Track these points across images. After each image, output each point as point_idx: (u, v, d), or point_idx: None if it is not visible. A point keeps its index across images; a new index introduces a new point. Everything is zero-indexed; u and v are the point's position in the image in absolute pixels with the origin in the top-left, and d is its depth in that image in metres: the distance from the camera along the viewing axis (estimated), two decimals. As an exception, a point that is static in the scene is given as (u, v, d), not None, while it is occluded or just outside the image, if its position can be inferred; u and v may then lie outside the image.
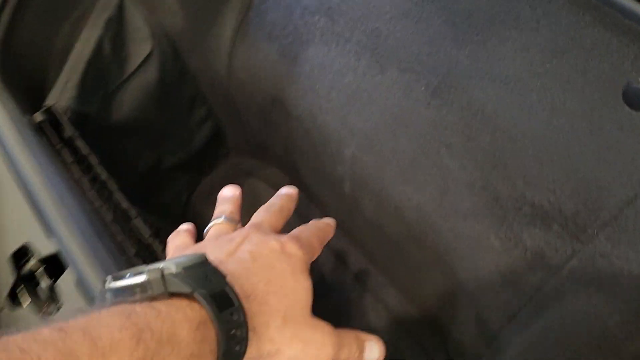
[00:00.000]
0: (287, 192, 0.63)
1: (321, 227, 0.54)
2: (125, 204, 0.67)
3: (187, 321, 0.31)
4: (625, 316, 0.52)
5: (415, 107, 0.71)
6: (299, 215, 1.06)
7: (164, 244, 0.59)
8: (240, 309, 0.34)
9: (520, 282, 0.65)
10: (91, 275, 0.49)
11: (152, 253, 0.64)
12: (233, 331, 0.32)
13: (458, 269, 0.74)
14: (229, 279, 0.35)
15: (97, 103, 0.77)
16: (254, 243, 0.41)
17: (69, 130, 0.69)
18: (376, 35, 0.72)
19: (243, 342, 0.33)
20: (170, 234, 0.89)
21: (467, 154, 0.67)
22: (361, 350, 0.42)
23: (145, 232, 0.65)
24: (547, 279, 0.63)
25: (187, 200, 1.07)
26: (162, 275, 0.33)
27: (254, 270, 0.38)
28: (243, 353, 0.33)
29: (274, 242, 0.42)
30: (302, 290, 0.39)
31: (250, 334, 0.34)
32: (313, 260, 0.46)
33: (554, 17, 0.53)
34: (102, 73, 0.79)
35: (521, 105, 0.60)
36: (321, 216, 1.06)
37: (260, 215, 0.53)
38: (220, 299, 0.33)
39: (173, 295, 0.33)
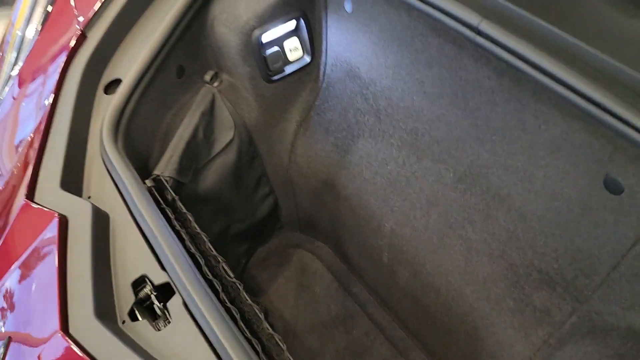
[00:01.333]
0: None
1: None
2: (214, 252, 0.84)
3: None
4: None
5: (445, 191, 0.89)
6: (341, 284, 1.21)
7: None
8: None
9: (531, 335, 0.79)
10: (195, 299, 0.65)
11: (236, 290, 0.79)
12: None
13: (480, 328, 0.88)
14: None
15: (190, 175, 0.97)
16: None
17: (170, 194, 0.88)
18: (415, 133, 0.91)
19: None
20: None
21: (487, 228, 0.83)
22: None
23: (230, 274, 0.81)
24: (552, 333, 0.76)
25: (245, 264, 1.24)
26: None
27: None
28: None
29: None
30: None
31: None
32: None
33: (552, 123, 0.70)
34: (196, 152, 0.99)
35: (529, 190, 0.76)
36: (361, 286, 1.20)
37: None
38: None
39: None
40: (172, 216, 0.84)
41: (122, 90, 0.89)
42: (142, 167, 0.94)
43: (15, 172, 0.86)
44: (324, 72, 1.06)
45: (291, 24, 1.00)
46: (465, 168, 0.84)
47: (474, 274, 0.87)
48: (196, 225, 0.84)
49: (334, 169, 1.09)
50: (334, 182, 1.10)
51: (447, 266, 0.91)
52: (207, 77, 1.03)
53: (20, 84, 1.04)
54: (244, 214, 1.15)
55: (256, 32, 0.95)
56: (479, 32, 0.70)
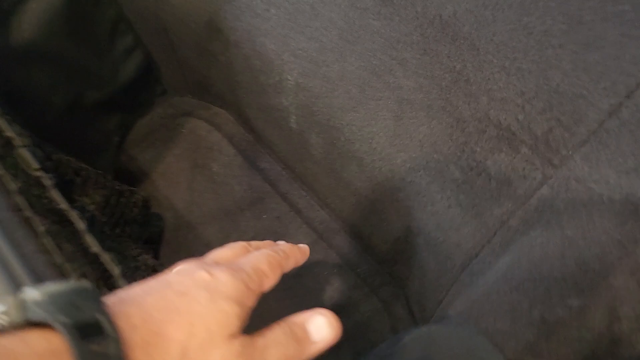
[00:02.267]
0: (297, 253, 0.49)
1: (277, 252, 0.44)
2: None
3: (33, 355, 0.27)
4: (606, 247, 0.44)
5: (364, 19, 0.61)
6: (245, 158, 0.96)
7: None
8: (117, 340, 0.29)
9: (483, 215, 0.57)
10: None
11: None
12: None
13: (415, 206, 0.66)
14: (114, 307, 0.31)
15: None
16: (180, 272, 0.37)
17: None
18: None
19: None
20: (100, 179, 0.78)
21: (424, 69, 0.58)
22: (301, 338, 0.37)
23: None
24: (513, 211, 0.54)
25: (119, 143, 0.96)
26: (23, 303, 0.29)
27: (156, 297, 0.33)
28: None
29: (202, 272, 0.36)
30: (218, 314, 0.33)
31: None
32: (265, 289, 0.40)
33: None
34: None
35: (485, 4, 0.50)
36: (271, 160, 0.96)
37: (226, 253, 0.44)
38: (87, 328, 0.28)
39: (34, 325, 0.28)
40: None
41: None
42: None
43: None
44: None
45: None
46: (390, -20, 0.56)
47: (406, 136, 0.63)
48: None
49: (218, 3, 0.78)
50: (218, 21, 0.80)
51: (371, 128, 0.66)
52: None
53: None
54: (100, 77, 0.85)
55: None
56: None
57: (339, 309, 0.82)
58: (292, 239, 0.89)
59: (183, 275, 0.36)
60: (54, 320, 0.28)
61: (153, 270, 0.76)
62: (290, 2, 0.69)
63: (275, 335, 0.36)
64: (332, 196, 0.85)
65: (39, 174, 0.53)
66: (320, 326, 0.39)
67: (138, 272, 0.70)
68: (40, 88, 0.77)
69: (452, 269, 0.61)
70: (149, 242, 0.85)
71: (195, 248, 0.89)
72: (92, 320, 0.29)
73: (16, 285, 0.43)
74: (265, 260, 0.41)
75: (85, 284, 0.31)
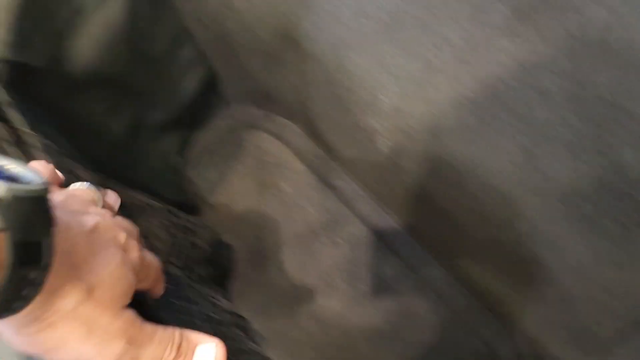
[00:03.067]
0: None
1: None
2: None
3: None
4: None
5: (491, 37, 0.50)
6: (318, 176, 0.87)
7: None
8: (47, 269, 0.29)
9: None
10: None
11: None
12: (24, 291, 0.28)
13: (548, 256, 0.56)
14: (55, 230, 0.30)
15: (42, 50, 0.56)
16: (107, 220, 0.38)
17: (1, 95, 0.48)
18: None
19: (27, 300, 0.29)
20: (164, 214, 0.70)
21: (574, 103, 0.47)
22: (183, 353, 0.37)
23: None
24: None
25: (179, 165, 0.87)
26: None
27: (86, 235, 0.34)
28: (18, 310, 0.29)
29: (122, 234, 0.38)
30: (124, 280, 0.36)
31: (44, 296, 0.30)
32: (143, 285, 0.41)
33: None
34: (48, 9, 0.57)
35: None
36: (346, 177, 0.86)
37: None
38: (29, 251, 0.28)
39: None
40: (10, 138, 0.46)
41: None
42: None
43: None
44: None
45: None
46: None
47: (539, 177, 0.53)
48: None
49: (294, 11, 0.68)
50: (295, 32, 0.69)
51: (491, 163, 0.56)
52: None
53: None
54: (161, 95, 0.75)
55: None
56: None
57: (434, 349, 0.74)
58: (376, 270, 0.80)
59: (108, 222, 0.37)
60: (4, 232, 0.27)
61: (233, 318, 0.68)
62: (386, 11, 0.58)
63: (165, 335, 0.37)
64: (425, 224, 0.75)
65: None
66: (208, 353, 0.39)
67: (221, 327, 0.62)
68: (97, 115, 0.68)
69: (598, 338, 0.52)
70: (219, 279, 0.77)
71: (270, 282, 0.81)
72: (36, 242, 0.29)
73: None
74: (155, 269, 0.43)
75: (45, 190, 0.30)
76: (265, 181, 0.87)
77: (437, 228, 0.72)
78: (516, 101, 0.51)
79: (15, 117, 0.46)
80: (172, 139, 0.83)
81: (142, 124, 0.75)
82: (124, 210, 0.44)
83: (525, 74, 0.49)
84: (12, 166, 0.31)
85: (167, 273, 0.45)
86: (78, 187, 0.41)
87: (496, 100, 0.52)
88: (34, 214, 0.29)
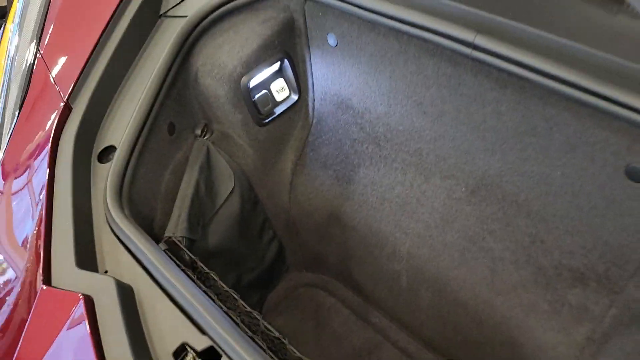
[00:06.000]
0: None
1: None
2: (247, 308, 0.81)
3: None
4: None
5: (459, 206, 0.89)
6: (358, 316, 1.19)
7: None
8: None
9: (573, 334, 0.79)
10: (246, 357, 0.63)
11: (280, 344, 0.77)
12: None
13: (516, 336, 0.87)
14: None
15: (200, 232, 0.94)
16: None
17: (187, 255, 0.85)
18: (419, 154, 0.92)
19: None
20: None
21: (508, 236, 0.84)
22: None
23: (270, 329, 0.79)
24: (594, 328, 0.77)
25: (259, 314, 1.20)
26: None
27: None
28: None
29: None
30: None
31: None
32: None
33: (563, 124, 0.71)
34: (201, 208, 0.96)
35: (547, 192, 0.77)
36: (379, 314, 1.19)
37: None
38: None
39: None
40: (193, 277, 0.81)
41: (118, 157, 0.87)
42: (149, 232, 0.91)
43: (29, 266, 0.81)
44: (313, 107, 1.06)
45: (275, 66, 1.00)
46: (477, 180, 0.85)
47: (502, 283, 0.87)
48: (223, 284, 0.81)
49: (338, 201, 1.08)
50: (339, 214, 1.09)
51: (472, 280, 0.91)
52: (198, 131, 1.01)
53: (5, 176, 0.99)
54: (253, 262, 1.13)
55: (244, 79, 0.95)
56: (475, 47, 0.72)
57: None
58: (408, 379, 1.09)
59: None
60: None
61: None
62: (400, 197, 0.98)
63: None
64: (439, 338, 1.06)
65: (277, 335, 0.77)
66: None
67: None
68: (218, 274, 1.05)
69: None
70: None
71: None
72: None
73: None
74: None
75: None
76: (319, 322, 1.20)
77: (448, 337, 1.03)
78: (479, 239, 0.88)
79: (200, 266, 0.82)
80: (256, 295, 1.17)
81: (240, 282, 1.10)
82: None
83: (481, 223, 0.87)
84: None
85: None
86: None
87: (468, 240, 0.89)
88: None
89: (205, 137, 1.02)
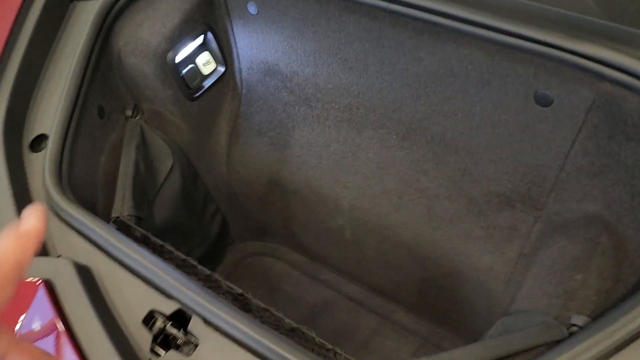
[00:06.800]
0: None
1: None
2: (207, 271, 0.83)
3: None
4: (586, 244, 0.75)
5: (393, 152, 0.95)
6: (308, 276, 1.24)
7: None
8: None
9: (506, 253, 0.88)
10: (216, 312, 0.65)
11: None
12: None
13: (456, 265, 0.95)
14: None
15: (146, 209, 0.95)
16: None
17: (139, 231, 0.85)
18: (349, 109, 0.97)
19: None
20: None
21: (440, 174, 0.91)
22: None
23: (233, 287, 0.82)
24: (524, 244, 0.86)
25: (210, 288, 1.22)
26: None
27: None
28: None
29: None
30: None
31: None
32: None
33: (477, 63, 0.78)
34: (144, 186, 0.97)
35: (470, 127, 0.85)
36: (328, 271, 1.24)
37: None
38: None
39: None
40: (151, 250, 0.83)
41: (52, 145, 0.85)
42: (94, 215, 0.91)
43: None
44: (241, 77, 1.08)
45: (199, 39, 1.01)
46: (406, 126, 0.91)
47: (439, 219, 0.94)
48: (180, 253, 0.83)
49: (276, 166, 1.12)
50: (278, 179, 1.12)
51: (412, 221, 0.98)
52: (129, 112, 1.01)
53: None
54: (200, 237, 1.14)
55: (170, 55, 0.95)
56: (392, 1, 0.77)
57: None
58: (362, 326, 1.16)
59: None
60: None
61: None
62: (336, 153, 1.03)
63: None
64: (387, 283, 1.13)
65: (240, 292, 0.80)
66: (29, 219, 0.36)
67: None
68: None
69: (496, 296, 0.90)
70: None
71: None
72: None
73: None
74: None
75: None
76: (272, 288, 1.23)
77: (395, 281, 1.10)
78: (414, 181, 0.94)
79: (154, 240, 0.83)
80: (205, 270, 1.19)
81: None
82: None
83: (414, 165, 0.93)
84: None
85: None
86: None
87: (405, 184, 0.96)
88: None
89: (137, 118, 1.01)
